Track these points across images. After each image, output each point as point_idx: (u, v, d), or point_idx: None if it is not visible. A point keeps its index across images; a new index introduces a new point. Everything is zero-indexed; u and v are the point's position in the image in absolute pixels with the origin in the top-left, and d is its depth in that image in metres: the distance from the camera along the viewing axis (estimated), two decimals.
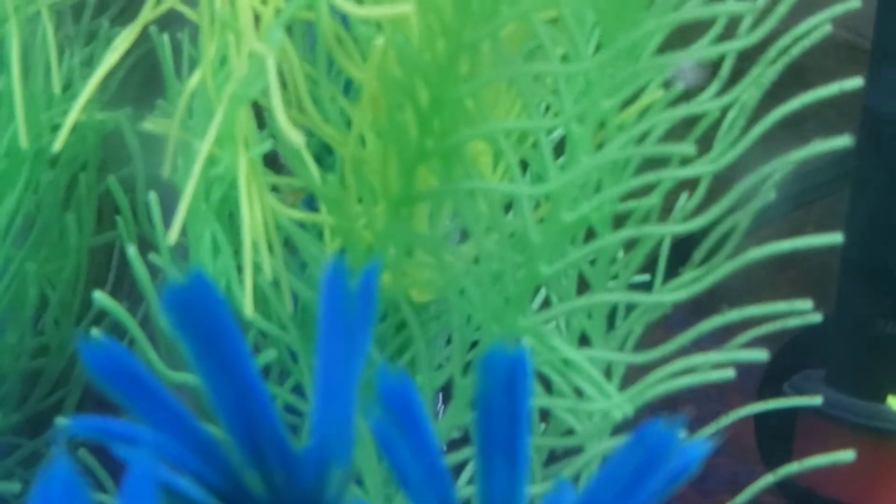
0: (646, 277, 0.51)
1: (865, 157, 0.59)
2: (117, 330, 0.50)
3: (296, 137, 0.39)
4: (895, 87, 0.60)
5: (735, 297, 0.50)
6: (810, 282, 0.77)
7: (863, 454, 0.53)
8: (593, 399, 0.45)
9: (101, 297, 0.46)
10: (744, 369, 0.47)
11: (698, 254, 0.47)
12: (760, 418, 0.70)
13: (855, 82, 0.45)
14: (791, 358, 0.65)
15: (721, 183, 0.47)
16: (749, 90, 0.47)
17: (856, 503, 0.58)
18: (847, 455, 0.47)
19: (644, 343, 0.49)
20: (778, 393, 0.61)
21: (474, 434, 0.33)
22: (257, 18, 0.46)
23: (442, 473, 0.32)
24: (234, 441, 0.30)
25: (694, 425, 0.47)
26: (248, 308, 0.42)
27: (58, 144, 0.44)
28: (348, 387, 0.33)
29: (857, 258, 0.59)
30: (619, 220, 0.49)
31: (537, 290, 0.50)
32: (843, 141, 0.44)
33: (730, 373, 0.45)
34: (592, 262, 0.49)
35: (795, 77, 0.51)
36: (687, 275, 0.47)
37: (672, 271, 0.49)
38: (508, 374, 0.33)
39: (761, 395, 0.68)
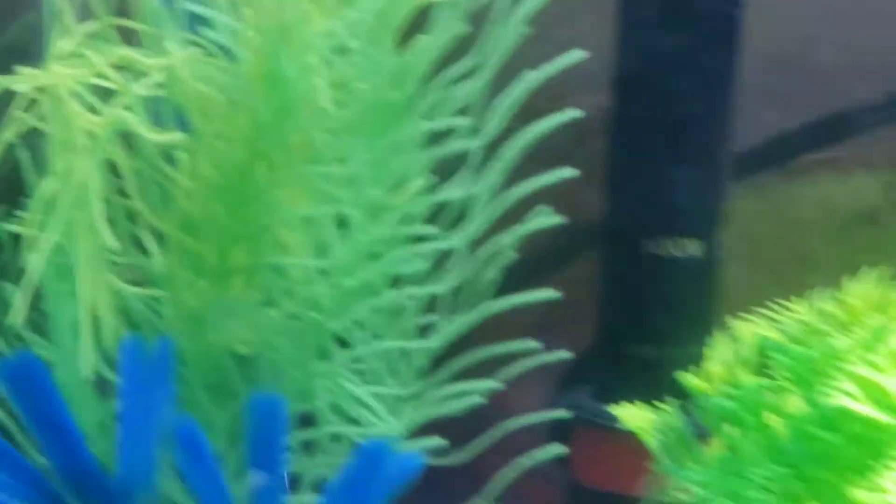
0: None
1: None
2: None
3: (112, 241, 0.52)
4: None
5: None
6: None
7: (613, 450, 0.66)
8: (375, 424, 0.58)
9: None
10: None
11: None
12: None
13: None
14: (578, 370, 0.78)
15: None
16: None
17: (625, 491, 0.70)
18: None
19: None
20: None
21: (247, 460, 0.46)
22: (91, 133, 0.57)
23: (222, 488, 0.44)
24: (60, 476, 0.42)
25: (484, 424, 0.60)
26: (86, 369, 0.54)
27: None
28: (149, 430, 0.45)
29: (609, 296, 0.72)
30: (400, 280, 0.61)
31: (340, 339, 0.63)
32: (566, 173, 0.57)
33: (476, 399, 0.58)
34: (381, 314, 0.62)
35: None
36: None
37: None
38: (268, 415, 0.45)
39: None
